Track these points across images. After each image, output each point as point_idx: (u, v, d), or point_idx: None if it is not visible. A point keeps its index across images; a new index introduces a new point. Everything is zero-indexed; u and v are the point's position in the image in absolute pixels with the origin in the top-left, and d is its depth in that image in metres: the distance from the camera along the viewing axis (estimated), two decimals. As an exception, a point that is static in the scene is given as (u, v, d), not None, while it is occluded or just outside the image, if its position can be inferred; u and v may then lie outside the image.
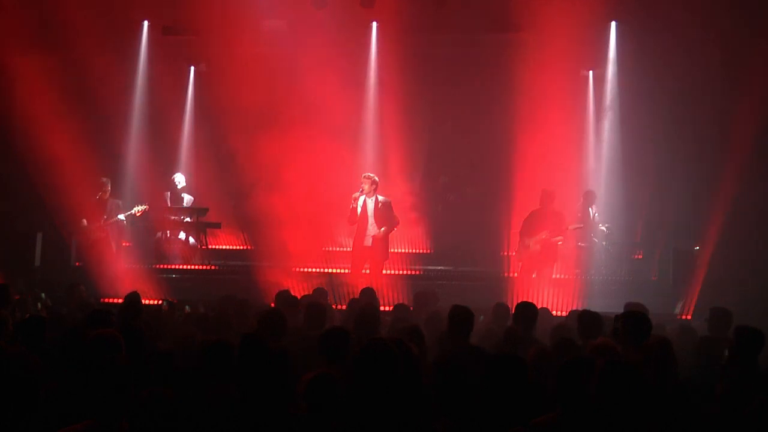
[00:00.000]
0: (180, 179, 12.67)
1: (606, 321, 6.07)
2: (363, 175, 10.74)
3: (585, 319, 6.15)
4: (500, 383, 3.88)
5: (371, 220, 10.58)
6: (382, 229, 10.60)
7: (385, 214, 10.64)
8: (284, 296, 7.65)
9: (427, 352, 5.22)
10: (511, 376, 3.91)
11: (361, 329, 5.67)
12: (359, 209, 10.54)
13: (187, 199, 12.57)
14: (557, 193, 11.29)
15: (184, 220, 12.32)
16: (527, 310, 6.40)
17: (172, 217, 12.29)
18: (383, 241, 10.71)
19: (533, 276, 11.01)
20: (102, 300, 10.28)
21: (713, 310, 6.95)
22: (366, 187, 10.50)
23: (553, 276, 11.12)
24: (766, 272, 10.46)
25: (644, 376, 3.79)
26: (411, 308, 7.95)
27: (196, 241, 12.39)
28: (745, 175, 10.93)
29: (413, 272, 11.80)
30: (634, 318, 5.45)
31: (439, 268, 12.23)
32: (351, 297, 8.49)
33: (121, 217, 11.50)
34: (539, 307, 6.87)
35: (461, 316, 5.72)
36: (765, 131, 10.96)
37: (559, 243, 11.12)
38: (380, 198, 10.67)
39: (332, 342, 4.82)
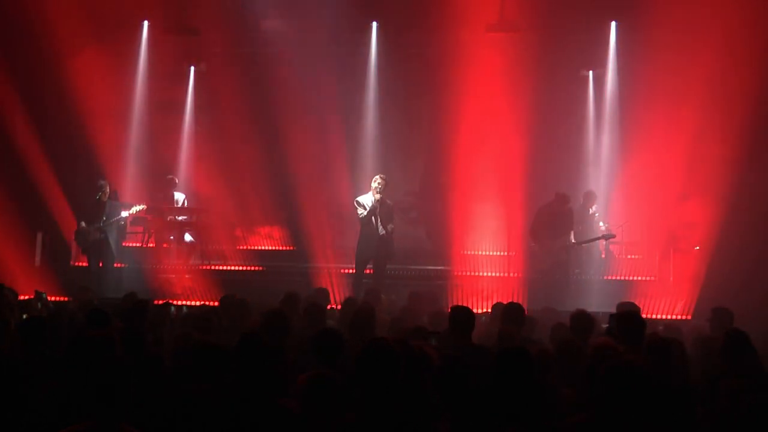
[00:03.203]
0: (173, 179, 12.71)
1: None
2: (380, 176, 10.54)
3: (577, 318, 6.17)
4: (507, 376, 3.89)
5: (379, 219, 10.58)
6: (390, 226, 10.56)
7: (389, 214, 10.66)
8: (290, 297, 7.64)
9: None
10: (517, 368, 3.91)
11: (355, 330, 5.67)
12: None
13: (179, 197, 12.57)
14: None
15: (183, 220, 12.32)
16: (513, 310, 6.42)
17: (169, 218, 12.28)
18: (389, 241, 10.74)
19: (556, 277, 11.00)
20: (100, 300, 10.28)
21: (715, 311, 6.97)
22: (381, 187, 10.39)
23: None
24: (766, 272, 10.47)
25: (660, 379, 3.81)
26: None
27: (195, 240, 12.40)
28: (746, 174, 10.94)
29: (414, 272, 11.83)
30: (628, 317, 5.50)
31: (440, 267, 12.23)
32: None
33: (119, 218, 11.50)
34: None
35: (462, 316, 5.74)
36: (764, 131, 10.97)
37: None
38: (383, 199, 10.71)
39: (324, 343, 4.82)
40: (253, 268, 12.32)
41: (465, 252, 12.43)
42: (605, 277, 11.52)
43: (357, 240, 10.65)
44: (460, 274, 11.81)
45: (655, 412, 3.69)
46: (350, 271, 11.04)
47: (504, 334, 5.93)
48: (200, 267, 11.82)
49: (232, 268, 12.23)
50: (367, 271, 10.70)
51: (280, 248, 13.44)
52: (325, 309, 6.99)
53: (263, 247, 13.49)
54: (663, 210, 11.93)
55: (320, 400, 3.82)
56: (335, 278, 10.78)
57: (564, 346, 5.25)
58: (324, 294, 8.26)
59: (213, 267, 11.95)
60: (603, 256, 12.08)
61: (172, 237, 12.26)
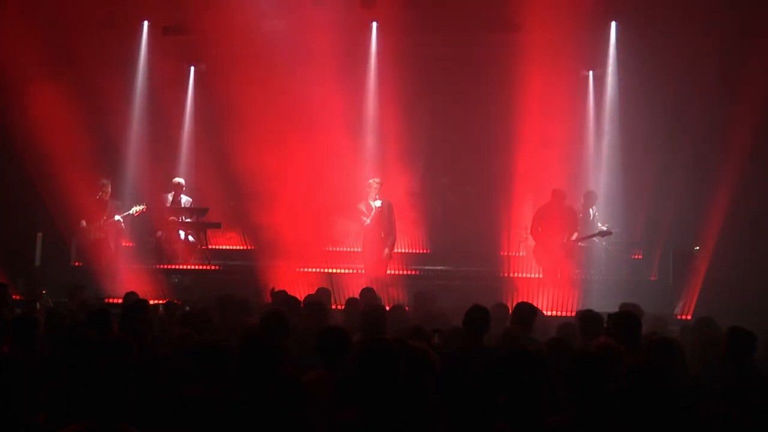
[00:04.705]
0: (181, 182, 12.70)
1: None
2: (374, 180, 11.07)
3: (585, 318, 6.18)
4: (514, 379, 3.88)
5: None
6: (386, 250, 10.97)
7: (386, 215, 10.83)
8: (281, 296, 7.64)
9: None
10: (522, 371, 3.91)
11: (369, 329, 5.68)
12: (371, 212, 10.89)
13: (185, 200, 12.57)
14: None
15: (184, 220, 12.32)
16: (525, 310, 6.43)
17: (171, 218, 12.28)
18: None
19: (558, 276, 10.98)
20: (101, 300, 10.29)
21: (699, 320, 7.02)
22: (377, 191, 10.87)
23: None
24: (765, 272, 10.47)
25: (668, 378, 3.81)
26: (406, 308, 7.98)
27: (195, 240, 12.40)
28: (745, 174, 10.95)
29: (415, 272, 11.83)
30: (622, 317, 5.57)
31: (440, 268, 12.24)
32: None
33: (119, 218, 11.53)
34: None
35: (477, 316, 5.74)
36: (764, 131, 10.98)
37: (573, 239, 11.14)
38: (379, 201, 10.94)
39: (330, 342, 4.81)
40: (212, 267, 12.28)
41: (467, 251, 12.44)
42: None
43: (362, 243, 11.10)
44: (461, 274, 11.84)
45: (646, 410, 3.69)
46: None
47: (509, 334, 5.94)
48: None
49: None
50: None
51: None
52: (327, 308, 6.99)
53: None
54: (662, 210, 11.94)
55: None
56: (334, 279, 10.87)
57: (552, 344, 5.27)
58: (326, 294, 8.27)
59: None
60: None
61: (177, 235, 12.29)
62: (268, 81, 12.55)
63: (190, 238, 12.40)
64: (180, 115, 14.23)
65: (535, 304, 7.83)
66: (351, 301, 7.73)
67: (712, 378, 5.11)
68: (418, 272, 11.93)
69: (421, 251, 13.11)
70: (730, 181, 11.01)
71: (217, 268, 12.24)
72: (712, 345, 5.84)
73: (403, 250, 12.68)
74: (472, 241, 12.60)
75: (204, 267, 12.20)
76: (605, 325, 5.63)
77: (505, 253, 12.25)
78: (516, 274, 11.69)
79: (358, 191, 11.84)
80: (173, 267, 11.97)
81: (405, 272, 11.74)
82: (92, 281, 10.62)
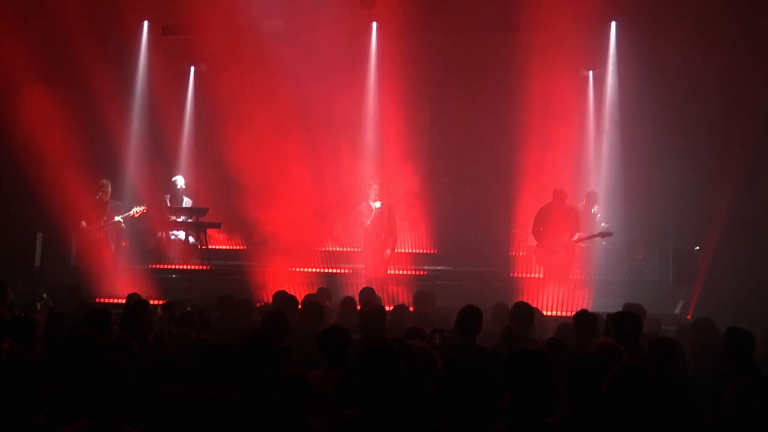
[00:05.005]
0: (180, 181, 12.69)
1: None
2: (375, 183, 11.32)
3: (580, 319, 6.19)
4: (517, 379, 3.86)
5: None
6: (387, 251, 11.15)
7: (386, 217, 10.94)
8: (282, 296, 7.65)
9: None
10: (529, 371, 3.90)
11: (368, 329, 5.68)
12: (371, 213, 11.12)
13: (186, 201, 12.58)
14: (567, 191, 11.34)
15: (183, 220, 12.33)
16: (523, 309, 6.42)
17: (172, 218, 12.30)
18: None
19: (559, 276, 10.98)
20: (101, 300, 10.29)
21: (697, 320, 7.03)
22: (377, 193, 11.13)
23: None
24: (765, 272, 10.47)
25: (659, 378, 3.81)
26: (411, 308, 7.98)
27: (195, 241, 12.40)
28: (745, 174, 10.95)
29: (415, 272, 11.84)
30: (622, 317, 5.57)
31: (440, 268, 12.24)
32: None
33: (119, 218, 11.54)
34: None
35: (469, 316, 5.74)
36: (764, 131, 10.98)
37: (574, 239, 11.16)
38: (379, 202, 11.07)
39: (331, 341, 4.81)
40: (211, 268, 12.26)
41: (470, 252, 12.45)
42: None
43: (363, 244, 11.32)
44: (464, 274, 11.84)
45: (647, 411, 3.68)
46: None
47: (508, 333, 5.93)
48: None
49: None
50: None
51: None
52: (325, 308, 6.99)
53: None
54: (662, 210, 11.94)
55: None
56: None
57: (551, 343, 5.27)
58: (326, 294, 8.27)
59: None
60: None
61: (173, 236, 12.28)
62: (268, 81, 12.55)
63: (191, 238, 12.42)
64: (180, 116, 14.23)
65: (535, 304, 7.88)
66: (347, 300, 7.71)
67: (711, 378, 5.11)
68: (423, 272, 11.94)
69: (426, 251, 13.11)
70: (731, 181, 11.01)
71: (216, 268, 12.24)
72: (709, 345, 5.85)
73: (408, 251, 12.70)
74: (474, 241, 12.61)
75: (203, 267, 12.21)
76: (606, 324, 5.63)
77: (507, 254, 12.26)
78: (517, 274, 11.69)
79: (358, 191, 11.87)
80: (173, 267, 11.98)
81: (410, 272, 11.75)
82: (92, 282, 10.62)
